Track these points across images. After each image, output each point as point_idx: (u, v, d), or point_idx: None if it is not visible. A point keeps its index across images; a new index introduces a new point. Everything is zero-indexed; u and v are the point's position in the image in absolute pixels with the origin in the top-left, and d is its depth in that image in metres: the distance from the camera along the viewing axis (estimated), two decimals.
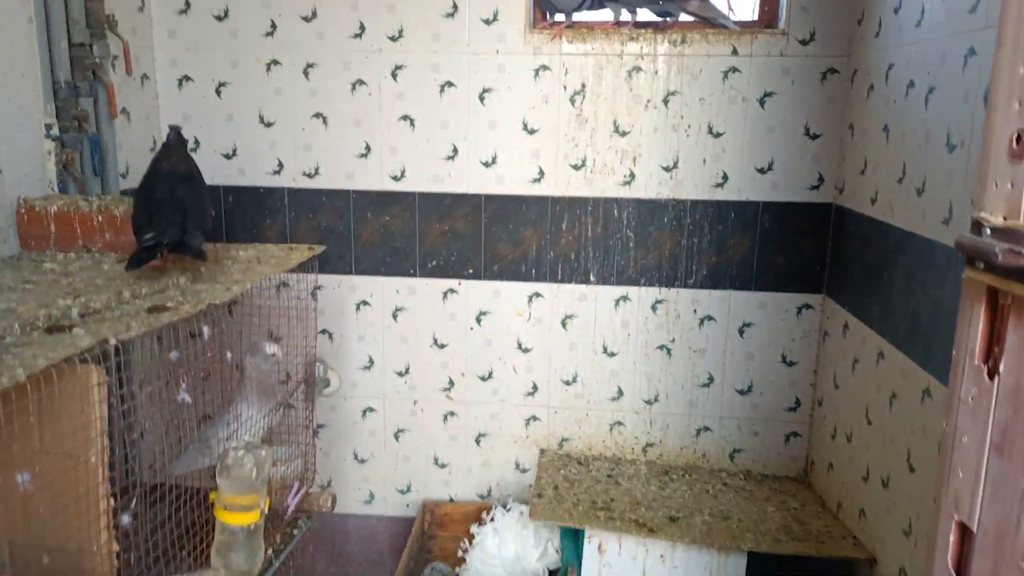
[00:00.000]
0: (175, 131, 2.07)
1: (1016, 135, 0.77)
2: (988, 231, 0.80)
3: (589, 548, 2.41)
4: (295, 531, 2.25)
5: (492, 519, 2.72)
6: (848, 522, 2.36)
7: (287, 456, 2.31)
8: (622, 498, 2.57)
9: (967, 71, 1.69)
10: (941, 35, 1.83)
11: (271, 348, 2.14)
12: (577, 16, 2.68)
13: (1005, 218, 0.79)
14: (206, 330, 1.55)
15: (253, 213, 2.87)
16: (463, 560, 2.69)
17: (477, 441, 2.94)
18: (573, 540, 2.53)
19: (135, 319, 1.35)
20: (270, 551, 2.07)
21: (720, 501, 2.57)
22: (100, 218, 1.96)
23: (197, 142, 2.84)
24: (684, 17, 2.62)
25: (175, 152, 2.03)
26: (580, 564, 2.42)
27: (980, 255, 0.79)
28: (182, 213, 1.83)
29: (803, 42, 2.52)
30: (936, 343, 1.79)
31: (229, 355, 1.83)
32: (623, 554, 2.39)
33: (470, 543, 2.70)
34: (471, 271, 2.82)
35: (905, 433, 1.95)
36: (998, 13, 1.58)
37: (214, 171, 2.85)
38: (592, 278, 2.78)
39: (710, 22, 2.58)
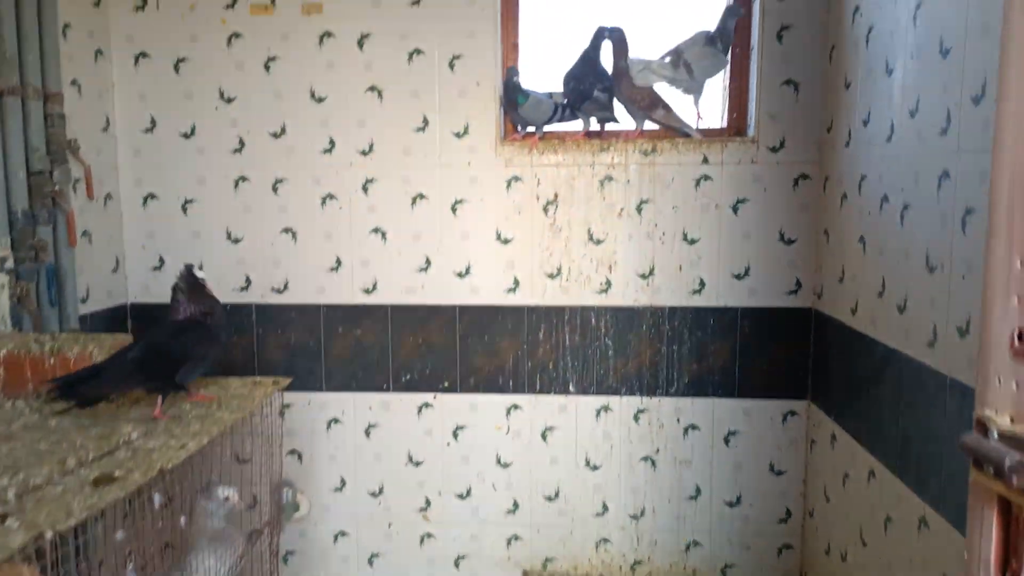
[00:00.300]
0: (186, 270, 2.07)
1: (1017, 332, 0.72)
2: (995, 434, 0.74)
3: None
4: None
5: None
6: None
7: None
8: None
9: (942, 193, 1.67)
10: (913, 154, 1.82)
11: (224, 492, 2.01)
12: (547, 128, 2.68)
13: (1012, 420, 0.73)
14: (157, 498, 1.44)
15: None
16: None
17: (456, 564, 2.80)
18: None
19: (78, 496, 1.25)
20: None
21: None
22: (52, 360, 1.86)
23: (161, 260, 2.77)
24: (650, 125, 2.62)
25: (180, 296, 2.04)
26: None
27: (989, 461, 0.73)
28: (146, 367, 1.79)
29: (773, 149, 2.53)
30: (931, 471, 1.72)
31: (183, 519, 1.71)
32: None
33: None
34: (447, 384, 2.74)
35: (903, 562, 1.85)
36: (970, 138, 1.58)
37: None
38: (571, 388, 2.70)
39: (676, 130, 2.59)
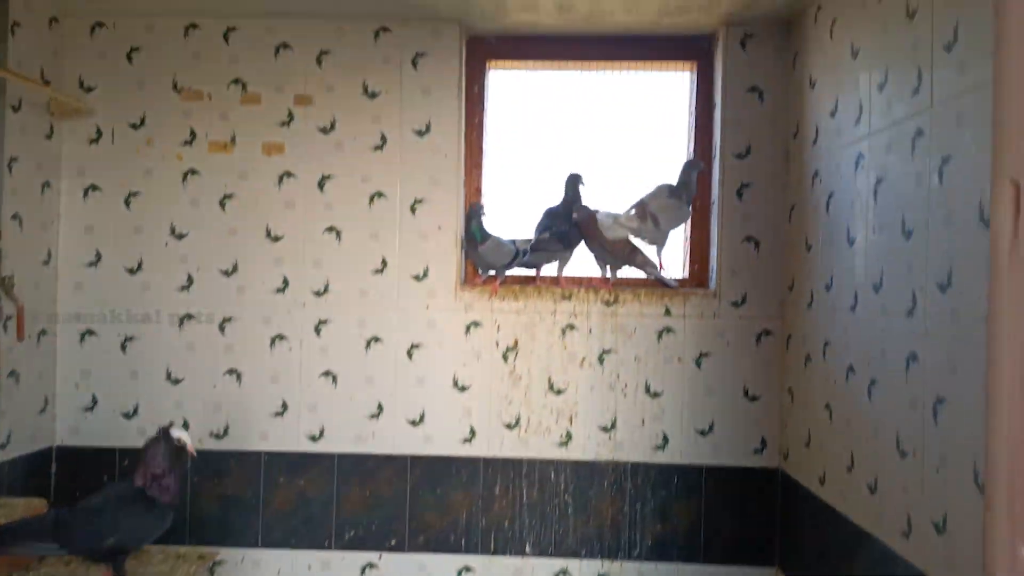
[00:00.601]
0: (162, 432, 2.00)
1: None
2: None
3: None
4: None
5: None
6: None
7: None
8: None
9: (911, 376, 1.63)
10: (878, 329, 1.79)
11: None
12: (508, 272, 2.62)
13: None
14: None
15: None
16: None
17: None
18: None
19: None
20: None
21: None
22: None
23: (95, 400, 2.60)
24: (630, 271, 2.57)
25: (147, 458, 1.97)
26: None
27: None
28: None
29: (735, 304, 2.50)
30: None
31: None
32: None
33: None
34: (394, 542, 2.55)
35: None
36: (938, 323, 1.54)
37: (110, 431, 2.59)
38: (528, 549, 2.54)
39: (656, 279, 2.55)
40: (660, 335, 2.52)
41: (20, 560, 2.02)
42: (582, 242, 2.57)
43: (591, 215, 2.52)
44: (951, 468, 1.46)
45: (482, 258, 2.58)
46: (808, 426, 2.22)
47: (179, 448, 1.98)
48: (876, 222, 1.80)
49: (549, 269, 2.64)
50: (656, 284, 2.58)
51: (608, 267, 2.56)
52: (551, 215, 2.61)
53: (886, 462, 1.73)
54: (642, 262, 2.53)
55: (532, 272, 2.65)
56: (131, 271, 2.61)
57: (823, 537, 2.09)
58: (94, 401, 2.60)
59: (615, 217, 2.50)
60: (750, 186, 2.49)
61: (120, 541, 1.87)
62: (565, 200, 2.60)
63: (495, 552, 2.54)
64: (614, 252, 2.52)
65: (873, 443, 1.80)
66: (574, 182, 2.60)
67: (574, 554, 2.52)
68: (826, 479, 2.08)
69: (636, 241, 2.56)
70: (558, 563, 2.52)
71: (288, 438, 2.58)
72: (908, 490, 1.63)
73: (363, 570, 2.55)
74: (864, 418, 1.85)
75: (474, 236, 2.55)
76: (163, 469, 1.95)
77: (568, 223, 2.56)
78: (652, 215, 2.48)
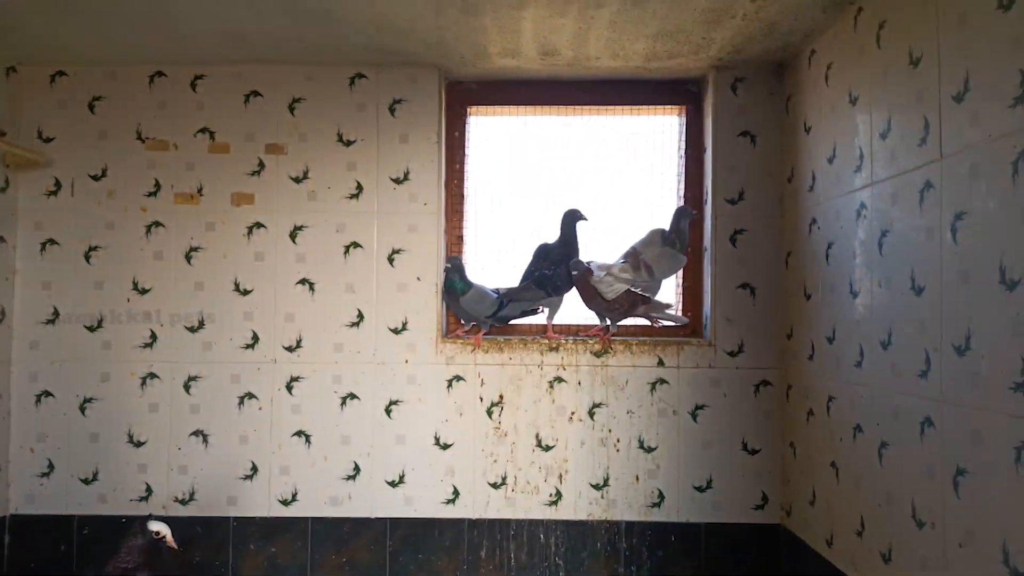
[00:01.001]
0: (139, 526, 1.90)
1: None
2: None
3: None
4: None
5: None
6: None
7: None
8: None
9: (926, 442, 1.52)
10: (889, 389, 1.69)
11: None
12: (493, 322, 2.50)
13: None
14: None
15: (111, 548, 2.39)
16: None
17: None
18: None
19: None
20: None
21: None
22: None
23: (52, 465, 2.43)
24: (632, 320, 2.46)
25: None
26: None
27: None
28: None
29: (731, 353, 2.39)
30: None
31: None
32: None
33: None
34: None
35: None
36: (956, 389, 1.41)
37: (68, 498, 2.42)
38: None
39: (664, 323, 2.44)
40: (653, 387, 2.41)
41: None
42: (572, 288, 2.45)
43: (586, 272, 2.40)
44: (978, 544, 1.35)
45: (463, 310, 2.46)
46: (813, 483, 2.11)
47: (156, 542, 1.85)
48: (882, 276, 1.71)
49: (540, 317, 2.52)
50: (650, 333, 2.47)
51: (608, 320, 2.44)
52: (544, 252, 2.47)
53: (901, 532, 1.62)
54: (645, 311, 2.41)
55: (521, 320, 2.53)
56: (91, 328, 2.46)
57: None
58: (51, 466, 2.43)
59: (608, 269, 2.39)
60: (744, 232, 2.40)
61: None
62: (562, 237, 2.47)
63: None
64: (614, 308, 2.39)
65: (886, 509, 1.68)
66: (571, 219, 2.46)
67: None
68: (834, 541, 1.96)
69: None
70: None
71: (258, 502, 2.42)
72: (928, 566, 1.51)
73: None
74: (875, 482, 1.74)
75: (454, 287, 2.43)
76: (135, 564, 1.80)
77: (562, 262, 2.44)
78: (646, 264, 2.38)
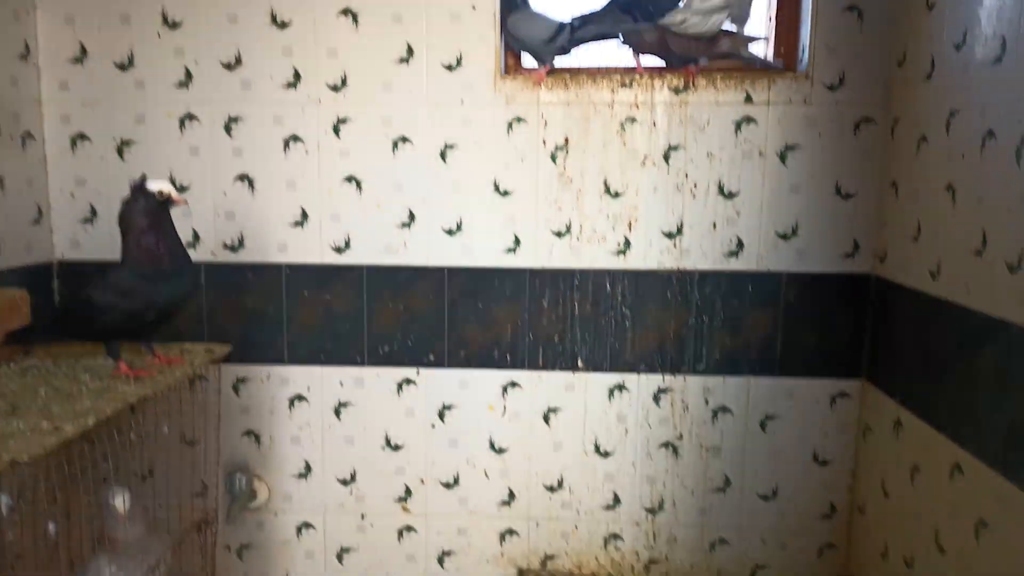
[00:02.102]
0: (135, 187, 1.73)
1: None
2: None
3: None
4: None
5: None
6: None
7: None
8: None
9: None
10: None
11: (119, 499, 1.62)
12: (560, 58, 2.23)
13: None
14: (5, 501, 1.06)
15: None
16: None
17: (440, 561, 2.43)
18: None
19: None
20: None
21: None
22: None
23: (94, 211, 2.33)
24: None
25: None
26: None
27: None
28: None
29: (830, 87, 2.11)
30: None
31: (52, 527, 1.33)
32: None
33: None
34: (432, 358, 2.33)
35: (1001, 572, 1.50)
36: None
37: (113, 244, 2.30)
38: (580, 364, 2.31)
39: (750, 60, 2.16)
40: (738, 126, 2.16)
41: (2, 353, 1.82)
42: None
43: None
44: None
45: (511, 34, 2.18)
46: (917, 218, 1.90)
47: (161, 202, 1.69)
48: None
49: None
50: (737, 68, 2.19)
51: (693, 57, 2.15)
52: None
53: None
54: (730, 46, 2.12)
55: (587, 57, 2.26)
56: (121, 67, 2.25)
57: (932, 338, 1.83)
58: (93, 212, 2.33)
59: (688, 4, 2.06)
60: None
61: (115, 320, 1.66)
62: None
63: (544, 367, 2.32)
64: (694, 49, 2.10)
65: (1019, 211, 1.48)
66: None
67: (632, 369, 2.30)
68: (941, 271, 1.79)
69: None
70: (614, 378, 2.30)
71: (310, 249, 2.31)
72: None
73: (399, 386, 2.35)
74: (1005, 189, 1.52)
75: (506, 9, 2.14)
76: (143, 227, 1.68)
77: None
78: None
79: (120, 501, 1.61)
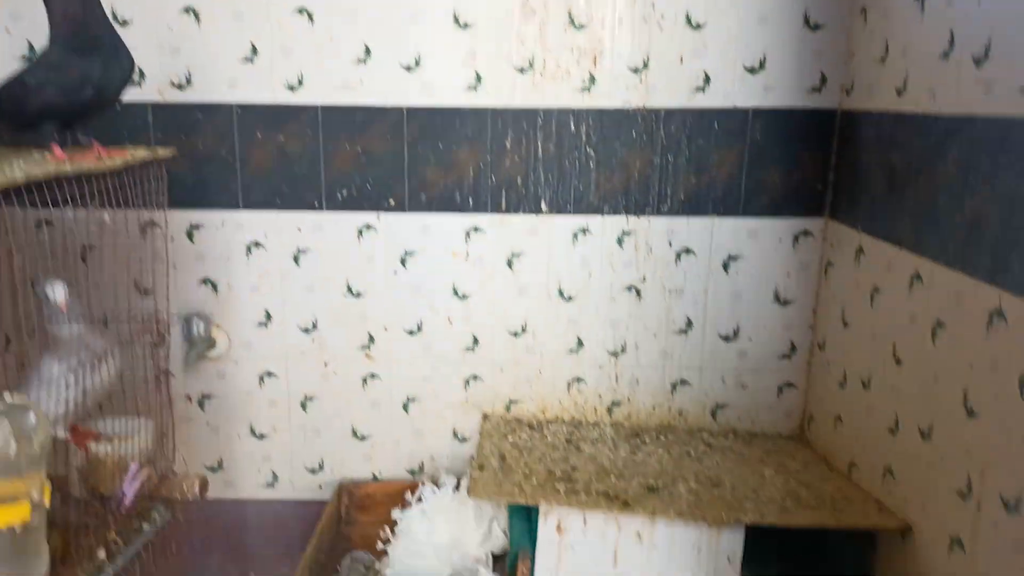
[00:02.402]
0: None
1: None
2: None
3: (545, 529, 1.94)
4: (145, 525, 1.72)
5: (419, 499, 2.24)
6: (867, 484, 1.95)
7: (128, 430, 1.76)
8: (585, 466, 2.11)
9: None
10: None
11: (54, 292, 1.57)
12: None
13: None
14: None
15: (108, 137, 2.22)
16: (385, 553, 2.20)
17: (405, 407, 2.43)
18: (525, 518, 2.07)
19: None
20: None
21: (706, 465, 2.14)
22: None
23: (31, 46, 2.17)
24: None
25: None
26: (534, 548, 1.96)
27: None
28: None
29: None
30: (1013, 248, 1.36)
31: None
32: (589, 534, 1.94)
33: (391, 531, 2.22)
34: (392, 202, 2.27)
35: (960, 368, 1.53)
36: None
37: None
38: (544, 207, 2.27)
39: None
40: None
41: None
42: None
43: None
44: None
45: None
46: (886, 37, 1.86)
47: None
48: None
49: None
50: None
51: None
52: None
53: (1005, 13, 1.39)
54: None
55: None
56: None
57: (892, 160, 1.81)
58: (30, 46, 2.18)
59: None
60: None
61: (49, 100, 1.57)
62: None
63: (507, 211, 2.27)
64: None
65: (988, 4, 1.44)
66: None
67: (596, 211, 2.26)
68: (907, 85, 1.76)
69: None
70: (578, 220, 2.27)
71: (262, 87, 2.20)
72: None
73: (359, 232, 2.29)
74: None
75: None
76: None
77: None
78: None
79: (57, 293, 1.55)
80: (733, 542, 1.90)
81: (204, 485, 1.82)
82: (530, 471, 2.08)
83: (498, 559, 2.15)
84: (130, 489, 1.68)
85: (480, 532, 2.13)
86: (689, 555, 1.90)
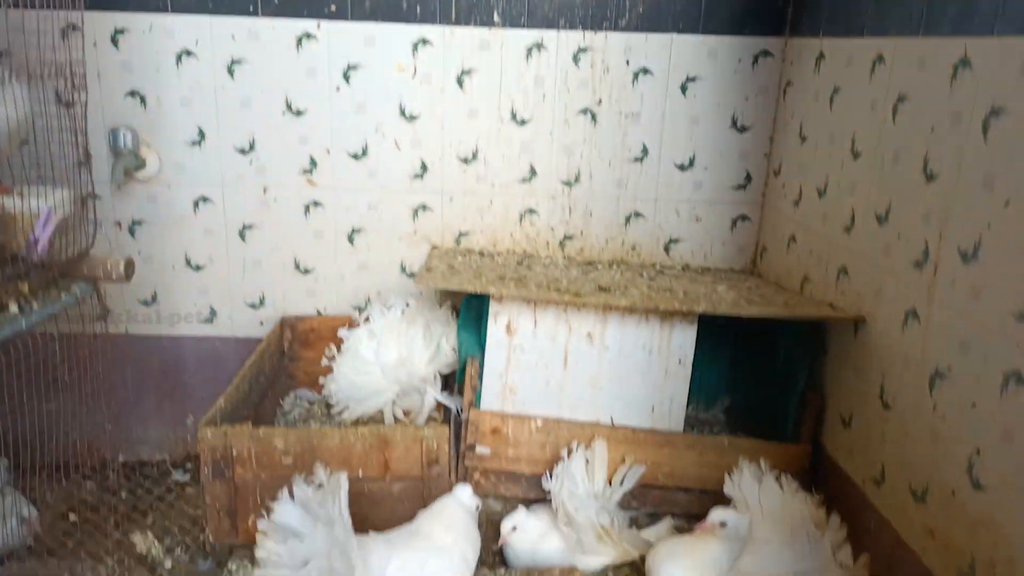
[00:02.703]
0: None
1: None
2: None
3: (495, 329, 1.87)
4: (64, 295, 1.60)
5: (367, 319, 2.15)
6: (820, 294, 1.91)
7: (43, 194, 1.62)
8: (537, 277, 2.03)
9: None
10: None
11: None
12: None
13: None
14: None
15: None
16: (329, 370, 2.12)
17: (350, 239, 2.31)
18: (474, 331, 2.00)
19: None
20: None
21: (659, 283, 2.08)
22: None
23: None
24: None
25: None
26: (483, 353, 1.89)
27: None
28: None
29: None
30: None
31: None
32: (539, 335, 1.87)
33: (338, 350, 2.14)
34: (333, 8, 2.12)
35: (921, 135, 1.48)
36: None
37: None
38: (496, 18, 2.15)
39: None
40: None
41: None
42: None
43: None
44: None
45: None
46: None
47: None
48: None
49: None
50: None
51: None
52: None
53: None
54: None
55: None
56: None
57: None
58: None
59: None
60: None
61: None
62: None
63: (457, 22, 2.14)
64: None
65: None
66: None
67: (551, 24, 2.15)
68: None
69: None
70: (532, 35, 2.15)
71: None
72: None
73: (299, 41, 2.14)
74: None
75: None
76: None
77: None
78: None
79: None
80: (684, 344, 1.85)
81: (130, 265, 1.69)
82: (480, 273, 2.00)
83: (447, 378, 2.08)
84: (43, 234, 1.54)
85: (428, 351, 2.06)
86: (641, 357, 1.85)
